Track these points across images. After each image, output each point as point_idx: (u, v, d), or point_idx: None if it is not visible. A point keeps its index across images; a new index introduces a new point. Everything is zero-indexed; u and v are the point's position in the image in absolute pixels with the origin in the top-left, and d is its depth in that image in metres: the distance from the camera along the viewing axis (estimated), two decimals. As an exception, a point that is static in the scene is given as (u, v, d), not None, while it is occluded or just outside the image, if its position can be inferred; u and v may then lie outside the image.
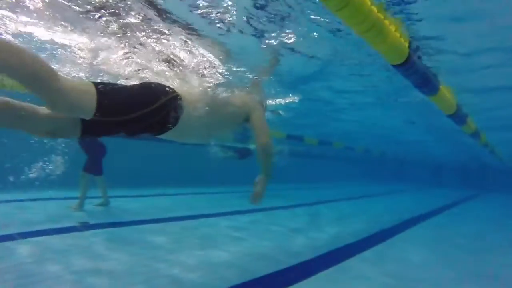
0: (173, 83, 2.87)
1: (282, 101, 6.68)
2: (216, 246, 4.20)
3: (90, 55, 3.71)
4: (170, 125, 2.15)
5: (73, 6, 2.91)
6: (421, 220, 7.28)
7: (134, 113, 1.93)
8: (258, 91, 3.52)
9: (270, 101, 6.14)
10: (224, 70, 3.70)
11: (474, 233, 6.09)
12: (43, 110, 1.84)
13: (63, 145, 3.95)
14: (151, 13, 3.10)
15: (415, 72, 3.29)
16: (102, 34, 3.32)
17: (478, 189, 19.82)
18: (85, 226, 4.87)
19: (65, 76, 1.89)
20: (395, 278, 3.30)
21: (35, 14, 3.00)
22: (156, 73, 3.65)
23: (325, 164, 21.31)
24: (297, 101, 6.98)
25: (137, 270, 3.18)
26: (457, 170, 23.26)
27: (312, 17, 3.34)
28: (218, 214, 6.70)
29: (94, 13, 3.02)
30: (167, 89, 2.16)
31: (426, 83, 3.62)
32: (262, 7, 3.21)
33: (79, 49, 3.65)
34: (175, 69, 3.56)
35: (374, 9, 2.40)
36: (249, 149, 10.91)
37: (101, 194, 6.45)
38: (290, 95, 6.46)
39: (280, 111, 7.73)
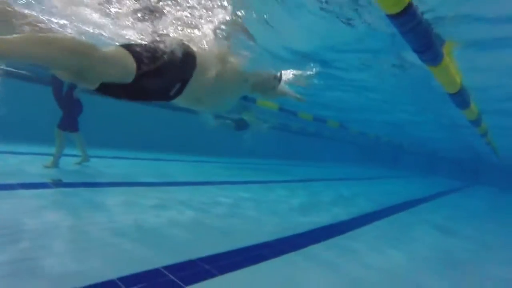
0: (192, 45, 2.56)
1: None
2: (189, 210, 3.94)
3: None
4: (186, 89, 2.23)
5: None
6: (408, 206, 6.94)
7: (170, 83, 2.12)
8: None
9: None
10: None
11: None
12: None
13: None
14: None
15: (415, 27, 2.65)
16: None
17: (470, 181, 19.69)
18: (53, 184, 4.52)
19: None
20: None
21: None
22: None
23: (320, 143, 20.87)
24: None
25: (94, 235, 2.82)
26: (452, 161, 22.99)
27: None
28: (200, 183, 6.39)
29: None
30: (192, 53, 2.24)
31: (428, 46, 2.99)
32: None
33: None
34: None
35: None
36: (246, 122, 10.57)
37: (79, 151, 6.11)
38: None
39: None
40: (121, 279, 2.10)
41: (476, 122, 7.50)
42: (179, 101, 2.39)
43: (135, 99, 2.19)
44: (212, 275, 2.34)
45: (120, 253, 2.55)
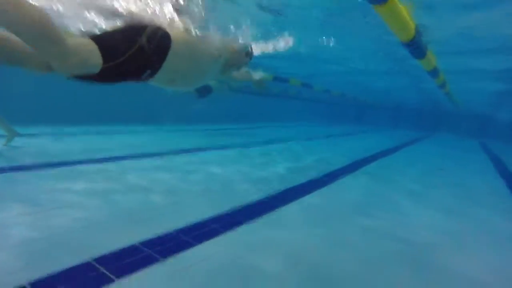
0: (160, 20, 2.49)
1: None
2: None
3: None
4: (158, 66, 2.16)
5: None
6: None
7: (140, 70, 2.07)
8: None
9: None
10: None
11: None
12: None
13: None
14: None
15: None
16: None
17: (431, 130, 20.60)
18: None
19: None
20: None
21: None
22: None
23: (284, 103, 20.62)
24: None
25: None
26: (414, 113, 23.80)
27: None
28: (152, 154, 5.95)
29: None
30: (155, 26, 2.13)
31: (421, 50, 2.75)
32: None
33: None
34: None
35: None
36: (209, 87, 9.93)
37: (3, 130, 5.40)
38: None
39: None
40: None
41: (434, 73, 7.49)
42: (151, 83, 2.37)
43: (102, 83, 2.10)
44: (191, 245, 2.31)
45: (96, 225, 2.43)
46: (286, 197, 3.69)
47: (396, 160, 7.51)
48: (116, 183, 3.74)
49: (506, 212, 3.92)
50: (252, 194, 3.67)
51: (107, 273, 1.89)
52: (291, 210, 3.28)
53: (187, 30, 2.52)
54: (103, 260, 2.03)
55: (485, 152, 11.51)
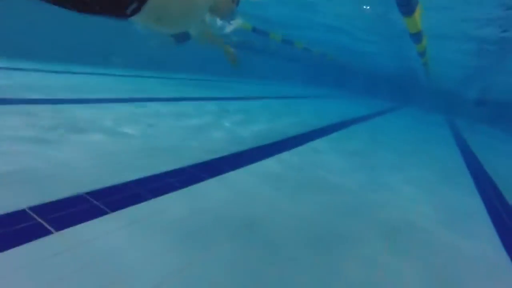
0: None
1: None
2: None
3: None
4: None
5: None
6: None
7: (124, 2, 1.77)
8: None
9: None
10: None
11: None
12: None
13: None
14: None
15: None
16: None
17: (402, 102, 21.00)
18: None
19: None
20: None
21: None
22: None
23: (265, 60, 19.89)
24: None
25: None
26: (388, 83, 23.99)
27: None
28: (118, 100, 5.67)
29: None
30: None
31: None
32: None
33: None
34: None
35: None
36: (187, 33, 9.04)
37: None
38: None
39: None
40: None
41: (417, 37, 7.21)
42: (137, 20, 2.11)
43: (83, 11, 1.80)
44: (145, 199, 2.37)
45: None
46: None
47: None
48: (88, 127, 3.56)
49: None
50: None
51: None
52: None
53: None
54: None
55: (450, 128, 11.89)
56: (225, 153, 3.69)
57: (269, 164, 3.67)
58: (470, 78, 15.09)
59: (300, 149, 4.53)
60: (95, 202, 2.14)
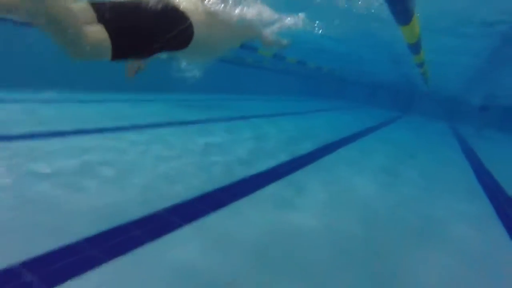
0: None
1: None
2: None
3: None
4: (181, 49, 2.22)
5: None
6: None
7: (148, 48, 1.99)
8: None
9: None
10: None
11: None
12: None
13: None
14: None
15: None
16: None
17: (404, 111, 20.69)
18: None
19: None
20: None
21: None
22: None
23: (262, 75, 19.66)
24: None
25: None
26: (390, 92, 23.74)
27: None
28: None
29: None
30: (181, 15, 2.10)
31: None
32: None
33: None
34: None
35: None
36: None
37: None
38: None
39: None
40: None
41: (415, 47, 6.93)
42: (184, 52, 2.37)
43: (156, 53, 2.14)
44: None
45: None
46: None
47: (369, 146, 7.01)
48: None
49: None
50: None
51: None
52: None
53: (208, 12, 2.44)
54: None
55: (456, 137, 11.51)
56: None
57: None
58: (473, 83, 14.80)
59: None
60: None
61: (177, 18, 2.07)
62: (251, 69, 17.41)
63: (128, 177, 3.28)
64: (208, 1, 2.69)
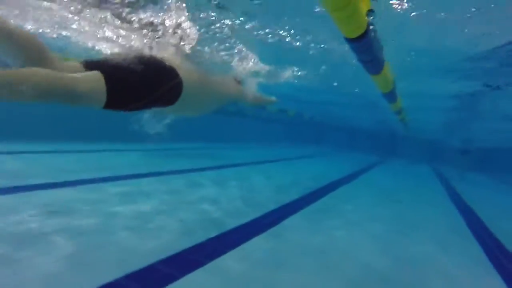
0: (172, 59, 2.46)
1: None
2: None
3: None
4: (170, 104, 2.31)
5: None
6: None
7: (142, 100, 2.05)
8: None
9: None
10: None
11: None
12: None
13: None
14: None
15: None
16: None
17: (385, 155, 20.92)
18: None
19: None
20: None
21: None
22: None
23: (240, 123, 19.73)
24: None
25: None
26: (369, 135, 24.24)
27: None
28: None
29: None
30: (171, 71, 2.23)
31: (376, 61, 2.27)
32: None
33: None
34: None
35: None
36: None
37: None
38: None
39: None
40: None
41: (390, 96, 7.08)
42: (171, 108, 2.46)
43: (146, 108, 2.26)
44: None
45: None
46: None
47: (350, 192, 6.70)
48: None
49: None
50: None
51: None
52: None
53: (196, 71, 2.59)
54: None
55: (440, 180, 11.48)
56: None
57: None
58: (452, 127, 15.27)
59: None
60: None
61: (170, 76, 2.17)
62: (234, 117, 17.59)
63: (104, 236, 2.94)
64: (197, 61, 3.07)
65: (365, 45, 2.86)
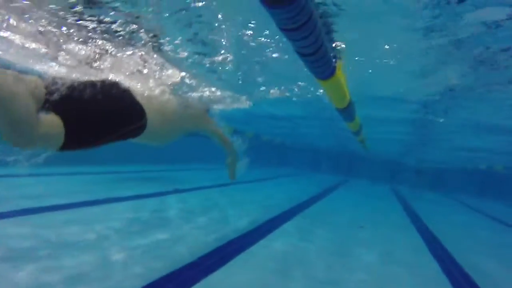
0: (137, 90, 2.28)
1: None
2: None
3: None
4: (133, 137, 2.18)
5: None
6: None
7: (100, 141, 1.89)
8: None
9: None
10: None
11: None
12: None
13: None
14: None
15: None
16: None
17: (347, 175, 21.33)
18: None
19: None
20: None
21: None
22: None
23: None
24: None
25: None
26: (331, 156, 24.63)
27: None
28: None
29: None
30: (136, 106, 2.06)
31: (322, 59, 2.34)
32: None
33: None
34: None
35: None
36: None
37: None
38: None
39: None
40: None
41: (349, 116, 7.06)
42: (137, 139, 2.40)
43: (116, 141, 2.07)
44: None
45: None
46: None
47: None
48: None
49: None
50: None
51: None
52: None
53: (165, 107, 2.50)
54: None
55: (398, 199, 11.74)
56: None
57: None
58: (407, 150, 15.98)
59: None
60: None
61: (136, 117, 2.00)
62: (192, 138, 16.94)
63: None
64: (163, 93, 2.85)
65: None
